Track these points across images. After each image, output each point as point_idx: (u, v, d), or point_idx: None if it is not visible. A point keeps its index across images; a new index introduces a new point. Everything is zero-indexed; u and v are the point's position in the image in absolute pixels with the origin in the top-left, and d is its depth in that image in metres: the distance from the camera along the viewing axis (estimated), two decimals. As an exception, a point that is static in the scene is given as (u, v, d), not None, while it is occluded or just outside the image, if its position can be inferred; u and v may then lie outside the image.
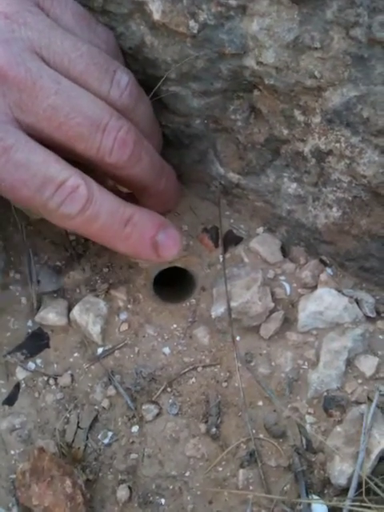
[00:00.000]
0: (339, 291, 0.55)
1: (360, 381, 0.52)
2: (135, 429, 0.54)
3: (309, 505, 0.47)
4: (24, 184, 0.45)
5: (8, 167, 0.45)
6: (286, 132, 0.52)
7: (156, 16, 0.49)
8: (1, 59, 0.44)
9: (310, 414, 0.52)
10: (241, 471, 0.51)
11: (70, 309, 0.58)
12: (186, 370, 0.56)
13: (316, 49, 0.45)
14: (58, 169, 0.46)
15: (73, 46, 0.47)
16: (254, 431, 0.52)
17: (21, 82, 0.44)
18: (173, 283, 0.62)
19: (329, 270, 0.58)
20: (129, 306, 0.59)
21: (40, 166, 0.45)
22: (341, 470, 0.47)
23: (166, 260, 0.53)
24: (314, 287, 0.57)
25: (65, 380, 0.56)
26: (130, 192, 0.57)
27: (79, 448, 0.54)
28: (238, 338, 0.56)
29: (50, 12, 0.49)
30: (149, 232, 0.51)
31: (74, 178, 0.46)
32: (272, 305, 0.55)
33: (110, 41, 0.52)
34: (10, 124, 0.45)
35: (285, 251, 0.60)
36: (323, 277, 0.57)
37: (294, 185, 0.55)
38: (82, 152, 0.48)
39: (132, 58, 0.54)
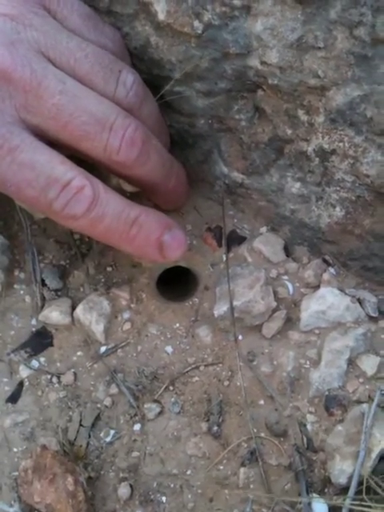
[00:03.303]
0: (342, 291, 0.55)
1: (361, 380, 0.52)
2: (137, 427, 0.54)
3: (309, 503, 0.47)
4: (29, 184, 0.45)
5: (13, 168, 0.45)
6: (289, 132, 0.52)
7: (161, 16, 0.49)
8: (6, 61, 0.44)
9: (311, 412, 0.52)
10: (242, 470, 0.51)
11: (73, 308, 0.59)
12: (189, 368, 0.56)
13: (319, 48, 0.45)
14: (64, 169, 0.46)
15: (78, 47, 0.48)
16: (255, 430, 0.52)
17: (26, 83, 0.45)
18: (176, 282, 0.62)
19: (331, 270, 0.58)
20: (132, 305, 0.59)
21: (45, 166, 0.45)
22: (341, 468, 0.47)
23: (171, 261, 0.53)
24: (317, 287, 0.57)
25: (68, 378, 0.56)
26: (135, 192, 0.58)
27: (81, 446, 0.54)
28: (240, 337, 0.56)
29: (56, 13, 0.49)
30: (155, 233, 0.50)
31: (80, 179, 0.46)
32: (274, 304, 0.55)
33: (117, 40, 0.52)
34: (15, 125, 0.45)
35: (288, 251, 0.60)
36: (326, 276, 0.57)
37: (298, 184, 0.55)
38: (88, 151, 0.48)
39: (137, 58, 0.55)
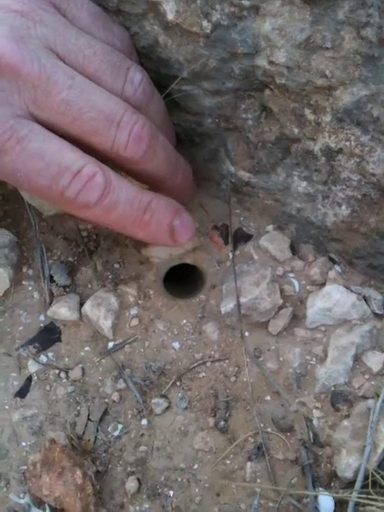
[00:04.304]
0: (347, 288, 0.56)
1: (367, 376, 0.52)
2: (145, 422, 0.55)
3: (316, 497, 0.48)
4: (39, 174, 0.45)
5: (22, 157, 0.45)
6: (296, 131, 0.52)
7: (170, 16, 0.50)
8: (16, 56, 0.44)
9: (317, 408, 0.52)
10: (248, 464, 0.52)
11: (81, 304, 0.59)
12: (196, 364, 0.56)
13: (327, 48, 0.45)
14: (74, 157, 0.46)
15: (87, 44, 0.48)
16: (261, 425, 0.53)
17: (35, 77, 0.45)
18: (183, 280, 0.62)
19: (337, 268, 0.58)
20: (139, 302, 0.60)
21: (55, 155, 0.45)
22: (347, 463, 0.48)
23: (181, 244, 0.54)
24: (323, 284, 0.57)
25: (76, 373, 0.57)
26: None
27: (89, 440, 0.54)
28: (246, 334, 0.57)
29: (66, 12, 0.49)
30: (166, 218, 0.51)
31: (91, 166, 0.46)
32: (281, 301, 0.56)
33: (125, 39, 0.53)
34: (24, 118, 0.45)
35: (294, 249, 0.60)
36: (332, 274, 0.57)
37: (304, 183, 0.56)
38: (96, 147, 0.48)
39: (146, 58, 0.55)
